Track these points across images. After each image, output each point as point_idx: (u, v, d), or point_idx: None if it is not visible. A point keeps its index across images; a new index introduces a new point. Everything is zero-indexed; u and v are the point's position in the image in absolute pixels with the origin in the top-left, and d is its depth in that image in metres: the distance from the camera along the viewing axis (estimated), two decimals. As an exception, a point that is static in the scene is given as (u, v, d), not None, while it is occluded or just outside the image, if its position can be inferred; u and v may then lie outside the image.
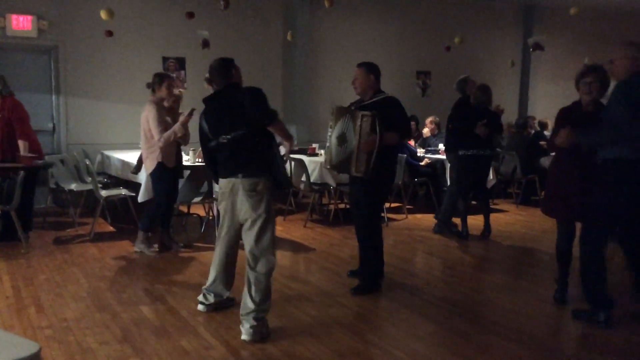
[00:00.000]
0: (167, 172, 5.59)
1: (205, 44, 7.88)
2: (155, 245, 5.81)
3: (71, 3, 8.23)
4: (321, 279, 5.08)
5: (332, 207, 7.83)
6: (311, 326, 3.93)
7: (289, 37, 8.67)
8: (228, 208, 3.81)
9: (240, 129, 3.67)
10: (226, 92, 3.84)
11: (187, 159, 6.38)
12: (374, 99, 4.54)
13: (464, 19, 11.41)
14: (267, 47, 9.73)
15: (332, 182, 7.10)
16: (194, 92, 9.05)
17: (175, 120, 5.61)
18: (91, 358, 3.35)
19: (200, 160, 6.39)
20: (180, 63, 9.09)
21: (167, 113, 5.64)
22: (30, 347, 1.62)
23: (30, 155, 5.92)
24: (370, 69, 4.57)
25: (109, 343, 3.56)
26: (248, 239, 3.73)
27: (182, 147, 5.87)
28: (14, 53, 8.13)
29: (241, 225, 3.80)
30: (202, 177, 6.59)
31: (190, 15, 7.80)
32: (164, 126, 5.46)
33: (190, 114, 5.38)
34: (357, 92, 4.64)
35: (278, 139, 4.00)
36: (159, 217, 5.76)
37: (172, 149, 5.62)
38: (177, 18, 8.62)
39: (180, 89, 7.55)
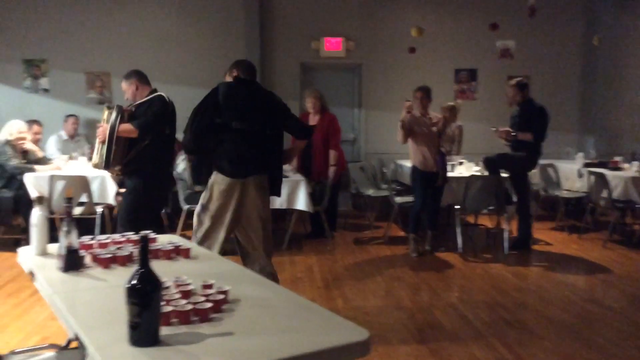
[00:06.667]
0: (420, 175, 6.08)
1: (505, 53, 7.94)
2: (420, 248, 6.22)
3: (376, 24, 8.98)
4: (625, 306, 4.63)
5: (637, 227, 7.04)
6: (614, 355, 3.63)
7: (595, 42, 8.04)
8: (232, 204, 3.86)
9: (266, 126, 3.85)
10: (258, 85, 3.99)
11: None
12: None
13: None
14: (565, 52, 9.21)
15: (638, 200, 6.39)
16: (485, 102, 9.08)
17: (441, 131, 6.18)
18: (392, 353, 3.64)
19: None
20: (472, 74, 9.17)
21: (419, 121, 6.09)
22: (361, 334, 1.71)
23: (333, 165, 6.64)
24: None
25: (407, 341, 3.82)
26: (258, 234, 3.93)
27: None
28: (325, 72, 9.22)
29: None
30: (491, 187, 6.56)
31: (494, 26, 7.85)
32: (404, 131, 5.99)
33: None
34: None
35: None
36: (418, 218, 6.20)
37: (422, 154, 6.03)
38: (471, 29, 8.73)
39: (458, 100, 7.72)
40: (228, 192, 3.82)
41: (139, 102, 4.56)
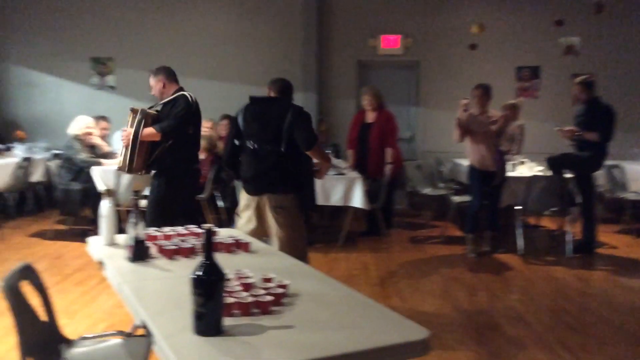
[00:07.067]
0: (477, 174, 5.94)
1: (570, 50, 7.73)
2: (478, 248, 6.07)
3: (435, 20, 8.86)
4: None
5: None
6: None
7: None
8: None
9: (281, 144, 3.68)
10: (277, 102, 3.88)
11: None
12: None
13: None
14: (633, 50, 8.83)
15: None
16: (547, 100, 8.82)
17: (501, 129, 6.02)
18: (450, 354, 3.58)
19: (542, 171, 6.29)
20: (534, 72, 8.92)
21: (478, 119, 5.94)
22: (421, 332, 1.71)
23: (390, 163, 6.60)
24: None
25: (465, 343, 3.75)
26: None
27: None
28: (382, 69, 9.17)
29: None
30: (555, 188, 6.36)
31: (559, 22, 7.61)
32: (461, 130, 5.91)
33: None
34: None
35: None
36: (476, 218, 6.05)
37: (480, 153, 5.88)
38: (534, 26, 8.49)
39: (520, 98, 7.58)
40: (247, 206, 3.90)
41: (164, 101, 4.62)
